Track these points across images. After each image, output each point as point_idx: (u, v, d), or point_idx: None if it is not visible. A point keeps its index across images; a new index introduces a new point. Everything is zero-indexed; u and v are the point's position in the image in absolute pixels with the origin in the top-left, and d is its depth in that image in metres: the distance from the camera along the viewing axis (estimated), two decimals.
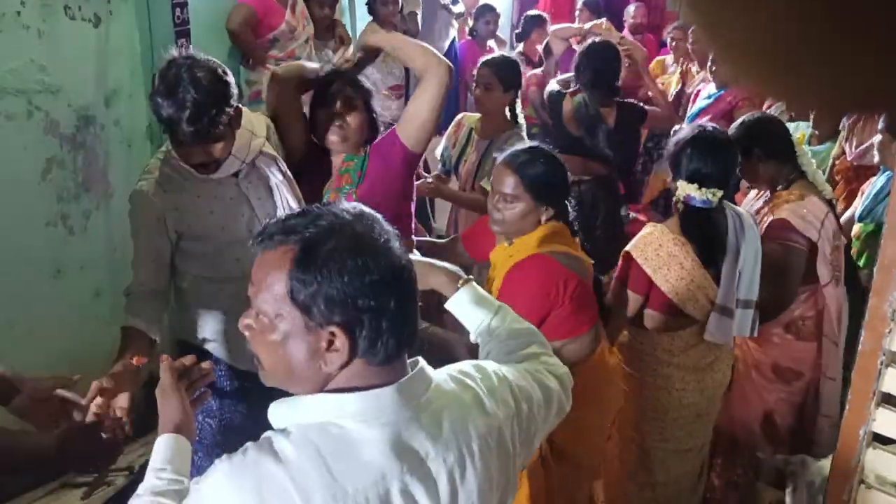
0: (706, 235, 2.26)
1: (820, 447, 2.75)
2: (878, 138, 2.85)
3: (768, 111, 4.12)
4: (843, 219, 3.13)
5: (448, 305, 1.56)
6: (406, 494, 1.05)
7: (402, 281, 1.08)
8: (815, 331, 2.64)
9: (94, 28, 2.97)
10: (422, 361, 1.16)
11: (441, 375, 1.19)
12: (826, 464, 2.41)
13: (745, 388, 2.71)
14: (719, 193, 2.25)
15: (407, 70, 4.74)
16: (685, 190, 2.25)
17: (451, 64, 2.46)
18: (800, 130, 3.67)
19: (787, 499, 2.68)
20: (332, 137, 2.44)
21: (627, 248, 2.32)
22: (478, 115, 3.40)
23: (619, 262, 2.36)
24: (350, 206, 1.13)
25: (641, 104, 4.06)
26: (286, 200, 2.27)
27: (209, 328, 2.30)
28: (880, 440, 1.63)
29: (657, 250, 2.25)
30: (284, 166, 2.32)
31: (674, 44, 5.47)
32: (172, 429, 1.35)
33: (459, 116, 3.52)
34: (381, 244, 1.08)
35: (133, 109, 3.19)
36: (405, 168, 2.49)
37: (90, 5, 2.94)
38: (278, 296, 1.05)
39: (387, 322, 1.05)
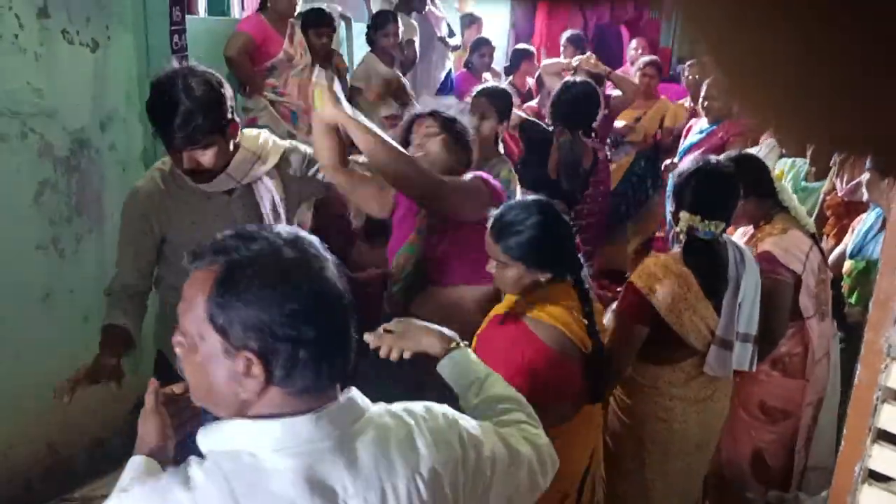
0: (708, 266, 2.27)
1: (807, 484, 2.75)
2: (866, 176, 2.87)
3: (760, 147, 4.17)
4: (833, 255, 3.14)
5: (438, 368, 1.55)
6: None
7: (329, 311, 1.06)
8: (801, 368, 2.64)
9: (92, 53, 2.98)
10: (354, 392, 1.13)
11: (378, 409, 1.15)
12: (820, 501, 2.40)
13: (733, 426, 2.69)
14: (722, 225, 2.26)
15: (403, 103, 4.77)
16: (688, 221, 2.26)
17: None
18: (788, 166, 3.69)
19: None
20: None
21: (631, 278, 2.32)
22: None
23: (622, 294, 2.35)
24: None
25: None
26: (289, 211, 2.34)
27: None
28: (875, 477, 1.62)
29: (660, 281, 2.25)
30: (278, 197, 2.33)
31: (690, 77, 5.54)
32: (146, 451, 1.33)
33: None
34: (312, 272, 1.06)
35: (128, 134, 3.19)
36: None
37: (88, 30, 2.95)
38: (200, 316, 1.05)
39: (306, 352, 1.03)
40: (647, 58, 5.48)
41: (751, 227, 2.69)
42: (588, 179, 3.75)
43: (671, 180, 2.41)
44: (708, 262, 2.27)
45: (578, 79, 3.89)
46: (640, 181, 5.04)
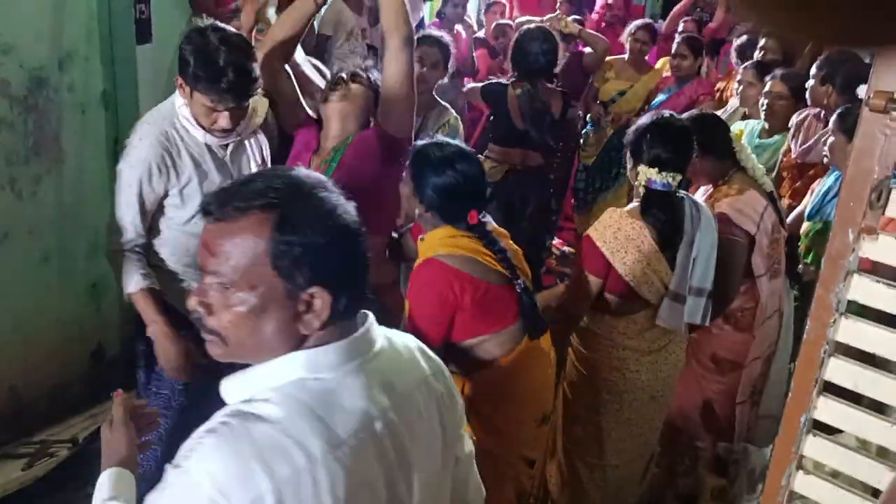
0: (665, 219, 2.30)
1: (757, 437, 2.84)
2: (830, 139, 2.91)
3: (726, 108, 4.20)
4: (791, 216, 3.21)
5: None
6: (390, 428, 1.10)
7: (359, 242, 1.13)
8: (752, 322, 2.72)
9: None
10: (369, 315, 1.18)
11: (391, 333, 1.25)
12: (767, 452, 2.48)
13: (685, 377, 2.77)
14: (678, 177, 2.30)
15: (373, 49, 4.70)
16: (646, 174, 2.29)
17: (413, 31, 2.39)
18: (749, 127, 3.73)
19: (729, 486, 2.75)
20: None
21: (588, 231, 2.35)
22: None
23: (580, 246, 2.39)
24: (300, 171, 1.14)
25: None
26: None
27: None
28: (820, 428, 1.68)
29: (616, 233, 2.29)
30: (267, 151, 2.43)
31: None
32: (117, 462, 1.34)
33: None
34: (345, 206, 1.11)
35: (88, 74, 3.11)
36: (385, 154, 2.37)
37: None
38: (255, 264, 1.04)
39: (353, 277, 1.11)
40: (639, 21, 5.16)
41: (710, 186, 2.72)
42: (561, 128, 3.77)
43: (626, 137, 2.43)
44: (664, 216, 2.31)
45: (533, 26, 3.88)
46: (619, 154, 4.83)
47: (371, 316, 1.18)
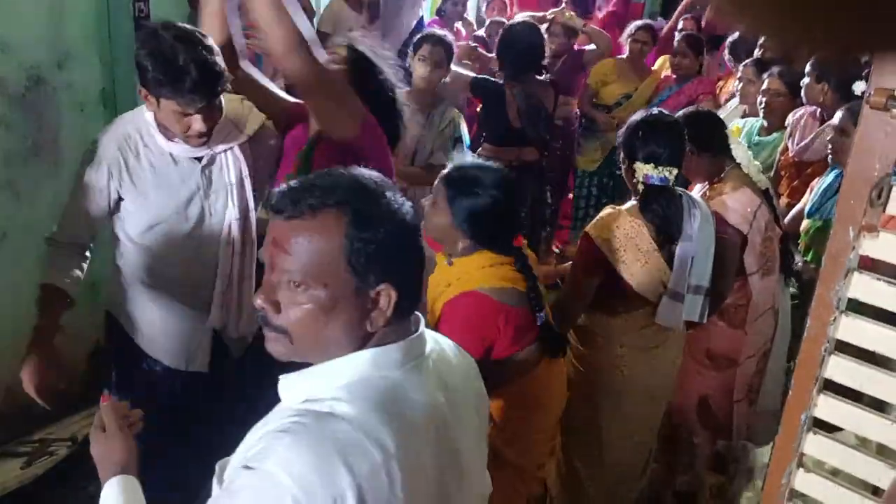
0: (664, 214, 2.30)
1: (756, 435, 2.84)
2: (831, 136, 2.91)
3: (726, 106, 4.20)
4: (791, 213, 3.21)
5: None
6: (447, 423, 1.15)
7: (420, 233, 1.17)
8: (745, 319, 2.72)
9: None
10: (420, 315, 1.21)
11: (437, 338, 1.29)
12: (767, 450, 2.48)
13: (681, 372, 2.77)
14: (675, 171, 2.31)
15: None
16: (642, 170, 2.30)
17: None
18: (748, 125, 3.73)
19: (728, 483, 2.75)
20: None
21: (586, 229, 2.35)
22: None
23: (578, 244, 2.38)
24: (349, 169, 1.15)
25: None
26: (235, 200, 2.19)
27: (144, 331, 2.27)
28: (820, 426, 1.68)
29: (615, 232, 2.28)
30: (245, 169, 2.20)
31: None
32: (118, 471, 1.31)
33: None
34: (400, 200, 1.14)
35: (87, 73, 3.10)
36: (343, 159, 2.32)
37: None
38: (329, 261, 1.06)
39: (415, 275, 1.15)
40: (639, 22, 5.04)
41: (706, 183, 2.73)
42: (552, 120, 3.78)
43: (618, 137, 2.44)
44: (663, 212, 2.31)
45: (517, 21, 3.90)
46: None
47: (421, 317, 1.20)
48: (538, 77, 3.77)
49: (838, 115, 2.87)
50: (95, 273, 3.27)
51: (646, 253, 2.29)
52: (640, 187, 2.32)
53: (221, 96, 2.01)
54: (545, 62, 3.91)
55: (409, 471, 1.05)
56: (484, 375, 1.55)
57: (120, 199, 2.12)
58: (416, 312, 1.19)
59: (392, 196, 1.12)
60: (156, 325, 2.23)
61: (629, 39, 4.78)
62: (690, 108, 2.77)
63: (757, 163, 2.81)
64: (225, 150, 2.14)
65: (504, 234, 2.01)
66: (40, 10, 2.87)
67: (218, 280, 2.18)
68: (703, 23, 5.89)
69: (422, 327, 1.18)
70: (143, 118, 2.11)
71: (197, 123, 1.97)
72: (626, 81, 4.73)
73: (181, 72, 1.87)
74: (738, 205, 2.58)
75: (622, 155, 2.39)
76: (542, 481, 2.45)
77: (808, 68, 3.36)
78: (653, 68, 5.12)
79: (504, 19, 5.55)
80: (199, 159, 2.13)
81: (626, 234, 2.29)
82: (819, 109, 3.33)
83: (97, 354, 3.37)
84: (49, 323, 2.13)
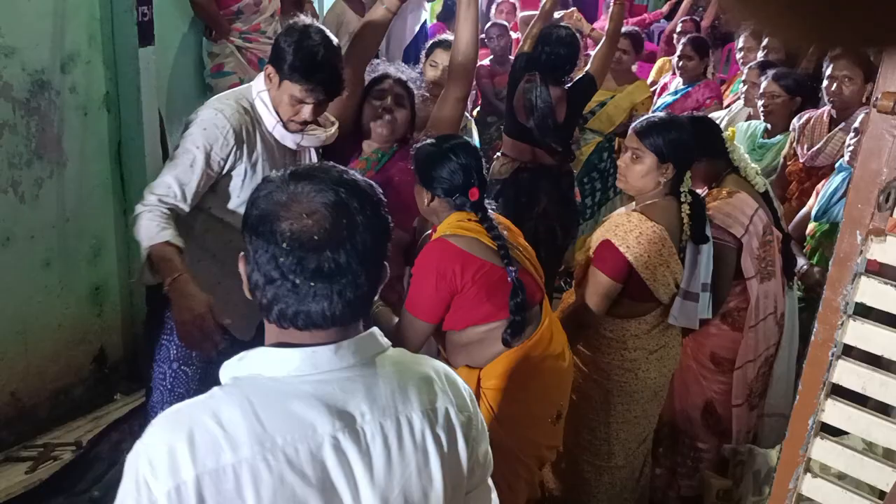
0: (678, 220, 2.34)
1: (763, 438, 2.83)
2: (851, 136, 2.89)
3: (730, 108, 4.19)
4: (797, 217, 3.19)
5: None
6: (338, 451, 1.05)
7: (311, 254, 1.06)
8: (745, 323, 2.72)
9: None
10: (375, 329, 1.16)
11: (399, 350, 1.21)
12: (773, 454, 2.47)
13: (685, 377, 2.77)
14: (688, 173, 2.35)
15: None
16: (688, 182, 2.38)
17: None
18: (751, 128, 3.71)
19: (734, 487, 2.74)
20: (381, 130, 2.56)
21: (606, 236, 2.33)
22: None
23: (597, 252, 2.35)
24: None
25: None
26: None
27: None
28: (827, 430, 1.67)
29: (638, 237, 2.28)
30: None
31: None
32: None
33: None
34: (303, 216, 1.06)
35: (90, 76, 3.10)
36: None
37: None
38: None
39: (298, 294, 1.06)
40: (624, 29, 4.70)
41: (705, 188, 2.73)
42: (567, 134, 3.72)
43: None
44: (678, 216, 2.32)
45: (560, 25, 3.77)
46: (601, 177, 4.56)
47: (371, 332, 1.15)
48: (559, 86, 3.65)
49: (860, 117, 2.87)
50: (100, 277, 3.29)
51: (666, 257, 2.30)
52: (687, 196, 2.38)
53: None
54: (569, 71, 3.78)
55: (266, 480, 1.01)
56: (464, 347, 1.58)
57: (228, 171, 2.26)
58: (373, 328, 1.15)
59: (296, 205, 1.08)
60: (225, 297, 2.18)
61: None
62: (686, 115, 2.77)
63: (755, 165, 2.81)
64: (310, 147, 2.40)
65: (462, 189, 2.12)
66: (44, 14, 2.87)
67: None
68: (702, 25, 5.89)
69: (349, 342, 1.10)
70: (251, 96, 2.29)
71: (306, 111, 2.22)
72: (604, 88, 4.39)
73: (317, 66, 2.16)
74: (733, 210, 2.59)
75: (666, 168, 2.35)
76: (540, 479, 2.45)
77: (858, 123, 3.04)
78: (652, 71, 5.10)
79: (506, 23, 5.54)
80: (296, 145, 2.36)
81: (650, 240, 2.29)
82: (828, 113, 3.31)
83: (101, 359, 3.37)
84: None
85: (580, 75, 3.71)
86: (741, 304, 2.70)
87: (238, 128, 2.21)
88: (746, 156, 2.79)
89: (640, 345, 2.41)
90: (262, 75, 2.29)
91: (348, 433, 1.06)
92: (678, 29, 5.68)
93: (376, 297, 1.96)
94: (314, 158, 2.47)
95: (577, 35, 3.73)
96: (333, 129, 2.43)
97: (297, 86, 2.18)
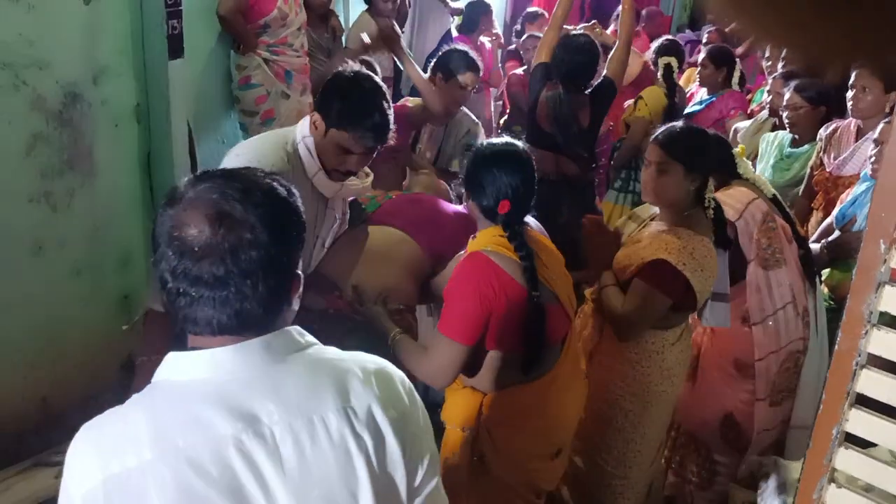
0: (721, 224, 2.40)
1: (788, 450, 2.79)
2: (872, 148, 2.87)
3: (755, 118, 4.17)
4: (822, 225, 3.16)
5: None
6: (243, 453, 1.04)
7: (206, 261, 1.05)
8: (749, 315, 2.70)
9: (85, 4, 2.95)
10: (290, 329, 1.14)
11: (326, 349, 1.18)
12: (798, 465, 2.44)
13: (706, 385, 2.75)
14: (712, 180, 2.41)
15: (395, 61, 4.74)
16: (711, 191, 2.41)
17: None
18: (779, 138, 3.69)
19: (759, 499, 2.71)
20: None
21: (661, 256, 2.29)
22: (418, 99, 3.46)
23: (652, 270, 2.31)
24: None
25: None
26: (331, 236, 2.42)
27: None
28: (852, 441, 1.65)
29: (692, 254, 2.27)
30: (338, 223, 2.43)
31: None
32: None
33: (403, 100, 3.56)
34: (199, 225, 1.06)
35: (121, 89, 3.17)
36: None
37: None
38: None
39: (186, 298, 1.07)
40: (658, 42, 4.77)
41: None
42: (591, 140, 3.72)
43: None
44: (721, 219, 2.41)
45: (580, 33, 3.80)
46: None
47: (286, 331, 1.13)
48: (581, 93, 3.68)
49: (879, 127, 2.84)
50: (129, 286, 3.34)
51: (713, 269, 2.32)
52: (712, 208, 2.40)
53: None
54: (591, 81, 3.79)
55: (168, 483, 1.00)
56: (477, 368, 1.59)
57: None
58: (287, 329, 1.14)
59: (195, 211, 1.08)
60: None
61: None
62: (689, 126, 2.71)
63: (765, 177, 2.82)
64: (348, 196, 2.38)
65: (494, 197, 2.04)
66: (76, 28, 2.94)
67: None
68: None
69: (252, 344, 1.09)
70: (293, 139, 2.22)
71: (352, 161, 2.17)
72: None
73: (367, 114, 2.10)
74: (728, 198, 2.61)
75: (695, 176, 2.36)
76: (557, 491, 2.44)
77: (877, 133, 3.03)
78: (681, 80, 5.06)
79: (540, 33, 5.56)
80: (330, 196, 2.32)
81: (703, 255, 2.29)
82: (855, 122, 3.28)
83: (128, 367, 3.41)
84: None
85: (599, 80, 3.73)
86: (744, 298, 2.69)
87: (282, 162, 2.15)
88: (752, 168, 2.78)
89: (675, 352, 2.42)
90: (306, 120, 2.23)
91: (252, 434, 1.04)
92: (705, 39, 5.66)
93: (392, 326, 1.99)
94: (345, 206, 2.43)
95: (597, 44, 3.75)
96: (369, 181, 2.39)
97: (346, 134, 2.12)
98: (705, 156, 2.35)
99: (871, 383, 1.57)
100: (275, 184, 1.13)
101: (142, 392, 1.09)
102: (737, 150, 2.81)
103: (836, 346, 1.58)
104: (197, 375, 1.07)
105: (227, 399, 1.05)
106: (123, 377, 3.39)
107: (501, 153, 2.08)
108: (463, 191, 2.17)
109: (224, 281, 1.05)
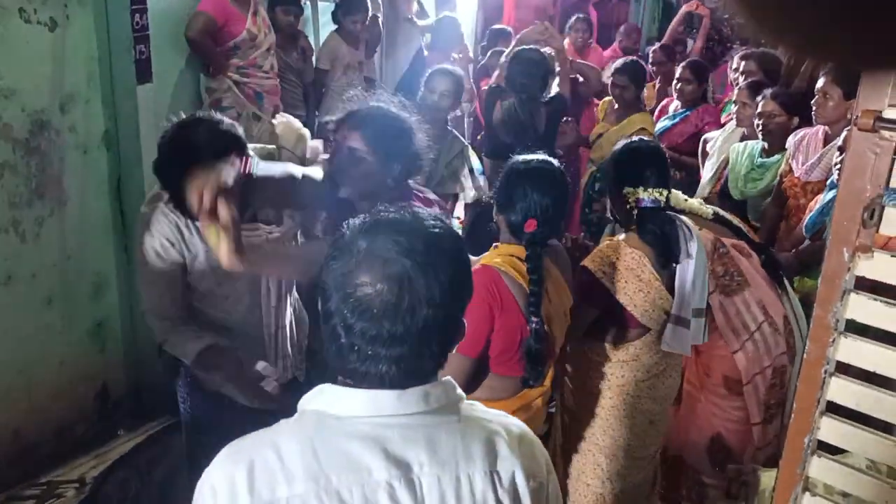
0: (663, 233, 2.31)
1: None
2: (837, 155, 2.90)
3: (724, 129, 4.21)
4: (792, 237, 3.19)
5: None
6: (393, 499, 1.04)
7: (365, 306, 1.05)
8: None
9: (51, 32, 2.93)
10: (447, 382, 1.14)
11: (476, 407, 1.18)
12: (773, 473, 2.45)
13: (695, 409, 2.72)
14: (665, 192, 2.33)
15: (371, 81, 4.76)
16: (634, 195, 2.32)
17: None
18: (748, 148, 3.71)
19: None
20: None
21: (584, 262, 2.34)
22: None
23: (576, 278, 2.37)
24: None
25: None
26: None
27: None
28: (824, 448, 1.66)
29: (615, 263, 2.28)
30: None
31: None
32: None
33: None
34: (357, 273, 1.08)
35: (89, 115, 3.15)
36: None
37: (46, 9, 2.90)
38: None
39: (358, 355, 1.07)
40: (618, 62, 4.54)
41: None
42: (549, 145, 3.77)
43: (601, 173, 2.47)
44: (661, 233, 2.32)
45: (528, 47, 3.94)
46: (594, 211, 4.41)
47: (442, 382, 1.13)
48: (537, 97, 3.79)
49: (843, 134, 2.87)
50: (102, 314, 3.30)
51: (647, 282, 2.29)
52: (634, 213, 2.34)
53: None
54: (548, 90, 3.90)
55: None
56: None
57: (185, 270, 2.15)
58: (445, 381, 1.13)
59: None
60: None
61: (610, 80, 4.42)
62: (624, 143, 2.68)
63: (693, 200, 2.75)
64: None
65: (521, 213, 2.03)
66: (43, 55, 2.92)
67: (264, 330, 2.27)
68: (695, 46, 5.94)
69: (414, 391, 1.08)
70: None
71: None
72: (608, 122, 4.45)
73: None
74: None
75: (610, 187, 2.41)
76: None
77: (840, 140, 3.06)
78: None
79: (504, 49, 5.60)
80: None
81: (627, 266, 2.28)
82: (823, 129, 3.32)
83: (103, 396, 3.38)
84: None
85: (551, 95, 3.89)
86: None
87: (168, 242, 2.08)
88: (681, 195, 2.70)
89: (630, 370, 2.38)
90: None
91: (404, 482, 1.05)
92: (651, 59, 5.70)
93: None
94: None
95: (546, 58, 3.88)
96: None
97: None
98: (619, 171, 2.37)
99: (841, 391, 1.59)
100: (444, 233, 1.12)
101: (292, 421, 1.09)
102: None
103: (805, 355, 1.59)
104: (356, 413, 1.07)
105: (383, 443, 1.05)
106: (99, 406, 3.35)
107: (536, 170, 2.07)
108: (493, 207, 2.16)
109: (402, 340, 1.05)
